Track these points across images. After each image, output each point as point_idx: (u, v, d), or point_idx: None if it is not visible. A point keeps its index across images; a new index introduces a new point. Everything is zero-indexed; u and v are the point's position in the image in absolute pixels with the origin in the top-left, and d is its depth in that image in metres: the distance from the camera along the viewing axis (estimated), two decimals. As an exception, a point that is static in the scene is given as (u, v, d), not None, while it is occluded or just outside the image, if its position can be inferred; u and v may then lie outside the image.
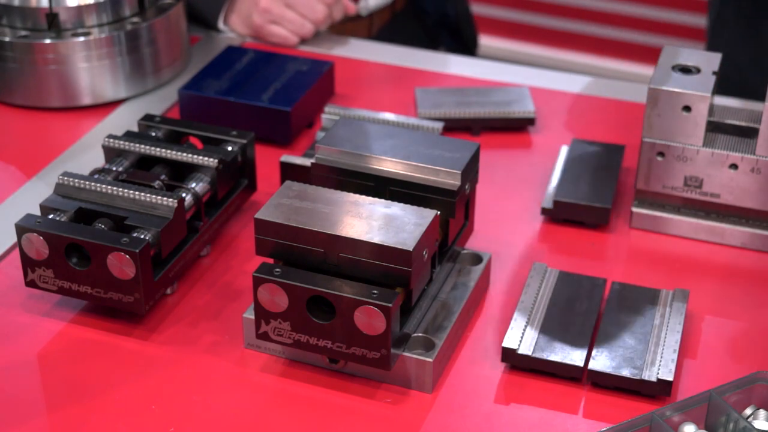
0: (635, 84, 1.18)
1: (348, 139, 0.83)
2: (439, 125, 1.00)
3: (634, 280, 0.88)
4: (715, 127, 0.94)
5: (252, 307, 0.78)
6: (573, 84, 1.18)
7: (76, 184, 0.83)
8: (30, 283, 0.82)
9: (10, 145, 1.06)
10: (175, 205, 0.82)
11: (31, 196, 0.95)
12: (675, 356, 0.77)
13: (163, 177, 0.87)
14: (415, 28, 1.45)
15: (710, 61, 0.93)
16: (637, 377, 0.76)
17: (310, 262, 0.75)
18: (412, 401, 0.76)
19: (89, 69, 1.09)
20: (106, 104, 1.11)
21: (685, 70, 0.92)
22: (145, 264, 0.78)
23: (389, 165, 0.81)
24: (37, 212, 0.84)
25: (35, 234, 0.79)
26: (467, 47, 1.54)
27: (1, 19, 1.09)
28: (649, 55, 2.54)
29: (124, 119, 1.09)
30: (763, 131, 0.88)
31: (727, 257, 0.92)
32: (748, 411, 0.72)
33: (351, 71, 1.19)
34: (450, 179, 0.80)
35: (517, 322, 0.80)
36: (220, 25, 1.26)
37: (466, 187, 0.82)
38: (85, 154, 1.03)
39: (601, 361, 0.77)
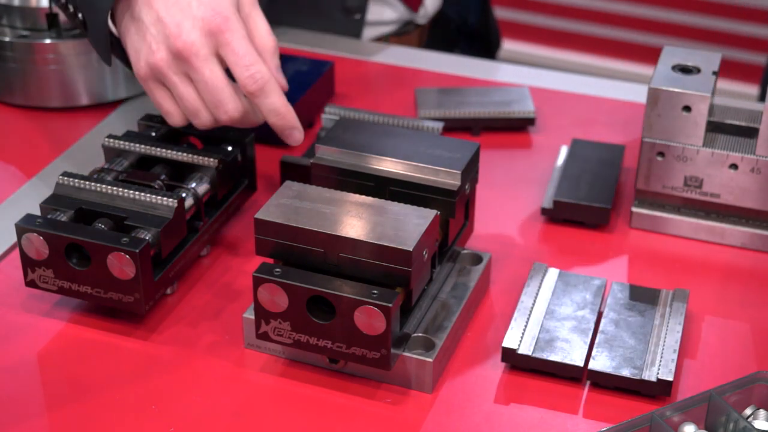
0: (635, 84, 1.18)
1: (348, 139, 0.83)
2: (439, 125, 1.00)
3: (634, 280, 0.88)
4: (715, 127, 0.94)
5: (252, 307, 0.78)
6: (573, 84, 1.18)
7: (76, 184, 0.83)
8: (30, 283, 0.82)
9: (10, 145, 1.06)
10: (175, 205, 0.82)
11: (31, 196, 0.95)
12: (675, 356, 0.77)
13: (163, 177, 0.87)
14: (443, 36, 1.44)
15: (710, 61, 0.93)
16: (637, 377, 0.76)
17: (310, 262, 0.75)
18: (412, 401, 0.76)
19: (89, 69, 1.09)
20: (106, 104, 1.11)
21: (685, 70, 0.92)
22: (145, 264, 0.78)
23: (389, 165, 0.81)
24: (37, 212, 0.84)
25: (35, 234, 0.79)
26: (488, 53, 1.53)
27: (1, 19, 1.08)
28: (649, 55, 2.54)
29: (124, 119, 1.09)
30: (763, 131, 0.88)
31: (727, 257, 0.92)
32: (748, 411, 0.72)
33: (351, 71, 1.19)
34: (450, 179, 0.80)
35: (517, 322, 0.80)
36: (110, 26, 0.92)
37: (466, 187, 0.82)
38: (85, 154, 1.03)
39: (601, 361, 0.77)
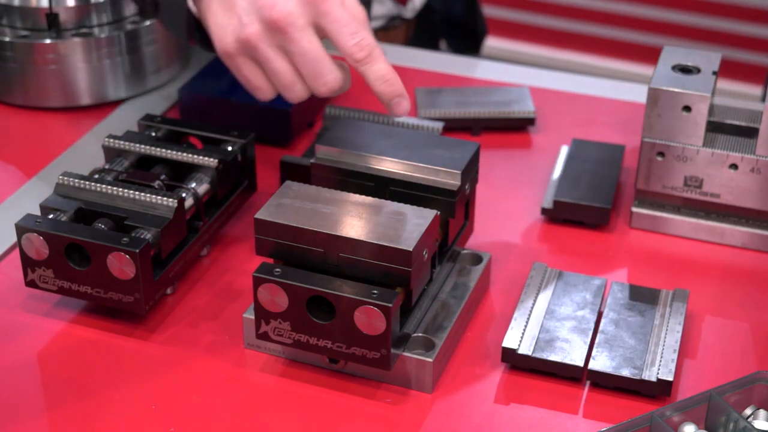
0: (635, 84, 1.18)
1: (348, 139, 0.83)
2: (439, 125, 1.00)
3: (634, 280, 0.88)
4: (715, 127, 0.94)
5: (252, 307, 0.78)
6: (573, 84, 1.18)
7: (76, 184, 0.83)
8: (30, 283, 0.82)
9: (10, 145, 1.06)
10: (175, 205, 0.82)
11: (31, 196, 0.95)
12: (675, 356, 0.77)
13: (163, 177, 0.87)
14: (428, 28, 1.44)
15: (710, 61, 0.93)
16: (637, 377, 0.76)
17: (310, 262, 0.75)
18: (412, 401, 0.76)
19: (89, 69, 1.09)
20: (106, 104, 1.11)
21: (685, 70, 0.92)
22: (145, 264, 0.78)
23: (389, 165, 0.81)
24: (37, 212, 0.84)
25: (35, 234, 0.79)
26: (473, 44, 1.53)
27: (1, 19, 1.08)
28: (649, 55, 2.54)
29: (124, 119, 1.09)
30: (763, 131, 0.88)
31: (727, 257, 0.92)
32: (748, 411, 0.72)
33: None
34: (450, 179, 0.80)
35: (517, 322, 0.80)
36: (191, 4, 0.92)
37: (466, 187, 0.82)
38: (85, 154, 1.03)
39: (601, 361, 0.77)
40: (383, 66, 0.84)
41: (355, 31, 0.83)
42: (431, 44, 1.41)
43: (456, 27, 1.49)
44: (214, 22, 0.85)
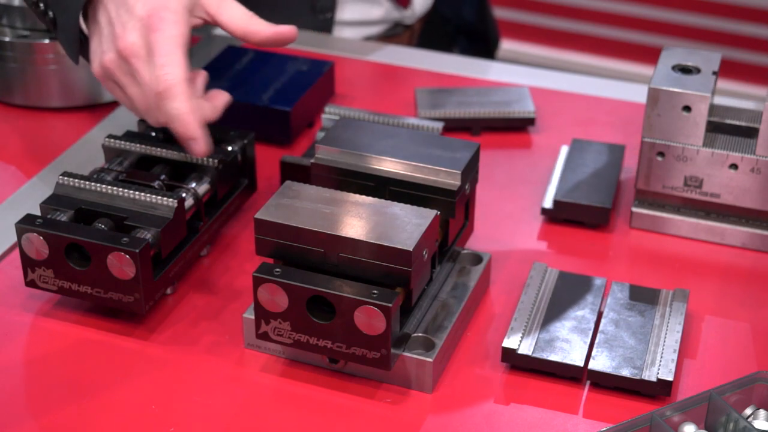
0: (635, 84, 1.18)
1: (348, 139, 0.83)
2: (439, 125, 1.00)
3: (634, 280, 0.88)
4: (715, 127, 0.94)
5: (252, 307, 0.78)
6: (573, 84, 1.18)
7: (76, 184, 0.83)
8: (30, 283, 0.82)
9: (10, 145, 1.06)
10: (175, 205, 0.82)
11: (31, 196, 0.95)
12: (675, 356, 0.77)
13: (163, 177, 0.87)
14: (438, 35, 1.44)
15: (710, 61, 0.93)
16: (637, 377, 0.76)
17: (310, 262, 0.75)
18: (412, 401, 0.76)
19: (89, 69, 1.08)
20: (106, 104, 1.11)
21: (685, 70, 0.92)
22: (145, 264, 0.78)
23: (389, 165, 0.81)
24: (37, 212, 0.84)
25: (35, 234, 0.79)
26: (487, 50, 1.53)
27: (1, 19, 1.08)
28: (649, 55, 2.54)
29: (124, 119, 1.09)
30: (763, 131, 0.88)
31: (727, 257, 0.92)
32: (748, 411, 0.72)
33: (351, 71, 1.19)
34: (450, 179, 0.80)
35: (517, 322, 0.80)
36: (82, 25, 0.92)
37: (466, 187, 0.82)
38: (85, 154, 1.03)
39: (601, 361, 0.77)
40: (178, 105, 0.83)
41: (163, 64, 0.83)
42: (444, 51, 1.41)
43: (468, 35, 1.49)
44: (91, 46, 0.89)
